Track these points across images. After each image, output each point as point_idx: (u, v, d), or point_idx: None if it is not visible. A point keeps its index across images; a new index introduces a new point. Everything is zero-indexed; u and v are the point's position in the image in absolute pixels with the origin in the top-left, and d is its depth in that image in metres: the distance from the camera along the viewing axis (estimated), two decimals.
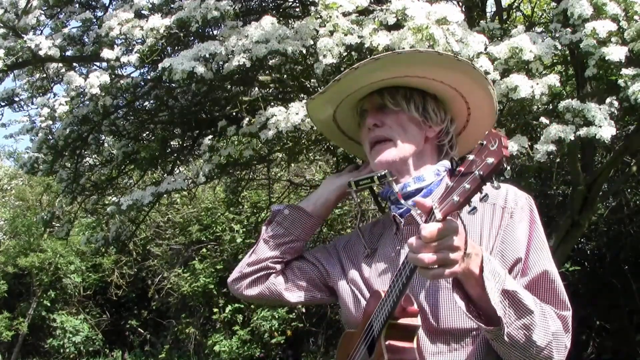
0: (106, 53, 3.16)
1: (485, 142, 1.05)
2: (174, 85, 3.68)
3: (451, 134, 1.50)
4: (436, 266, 1.11)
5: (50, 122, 3.90)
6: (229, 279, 1.65)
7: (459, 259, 1.13)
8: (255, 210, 8.18)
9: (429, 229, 1.09)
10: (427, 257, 1.10)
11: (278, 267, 1.60)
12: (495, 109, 1.48)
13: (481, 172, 1.03)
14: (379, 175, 1.44)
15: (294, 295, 1.59)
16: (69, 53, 3.81)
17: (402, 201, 1.41)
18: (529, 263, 1.33)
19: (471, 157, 1.06)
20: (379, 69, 1.41)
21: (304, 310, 8.10)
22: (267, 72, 3.56)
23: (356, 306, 1.47)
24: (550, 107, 3.04)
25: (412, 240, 1.12)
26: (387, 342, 1.29)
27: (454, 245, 1.11)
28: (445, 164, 1.46)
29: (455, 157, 1.49)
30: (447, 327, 1.33)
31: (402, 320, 1.30)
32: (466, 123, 1.53)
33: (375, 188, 1.54)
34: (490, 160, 1.02)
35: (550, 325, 1.25)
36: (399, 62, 1.41)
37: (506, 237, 1.34)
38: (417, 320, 1.31)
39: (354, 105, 1.55)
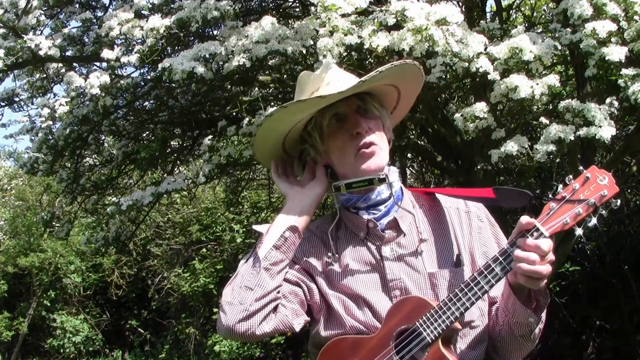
0: (106, 53, 3.16)
1: (590, 176, 1.24)
2: (174, 85, 3.68)
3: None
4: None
5: (50, 122, 3.91)
6: (229, 323, 1.35)
7: None
8: (255, 210, 8.17)
9: (547, 244, 1.23)
10: (544, 268, 1.24)
11: (280, 295, 1.41)
12: (421, 80, 1.50)
13: (594, 201, 1.22)
14: (379, 177, 1.42)
15: (298, 321, 1.43)
16: (69, 53, 3.82)
17: (398, 205, 1.45)
18: None
19: (576, 185, 1.24)
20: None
21: None
22: (267, 72, 3.56)
23: (351, 314, 1.41)
24: (550, 107, 3.04)
25: (526, 254, 1.23)
26: (445, 349, 1.31)
27: (553, 259, 1.27)
28: (394, 169, 1.49)
29: (389, 139, 1.50)
30: None
31: (455, 325, 1.34)
32: (396, 104, 1.55)
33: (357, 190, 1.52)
34: (605, 192, 1.22)
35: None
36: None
37: (484, 239, 1.47)
38: (459, 324, 1.36)
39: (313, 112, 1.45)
